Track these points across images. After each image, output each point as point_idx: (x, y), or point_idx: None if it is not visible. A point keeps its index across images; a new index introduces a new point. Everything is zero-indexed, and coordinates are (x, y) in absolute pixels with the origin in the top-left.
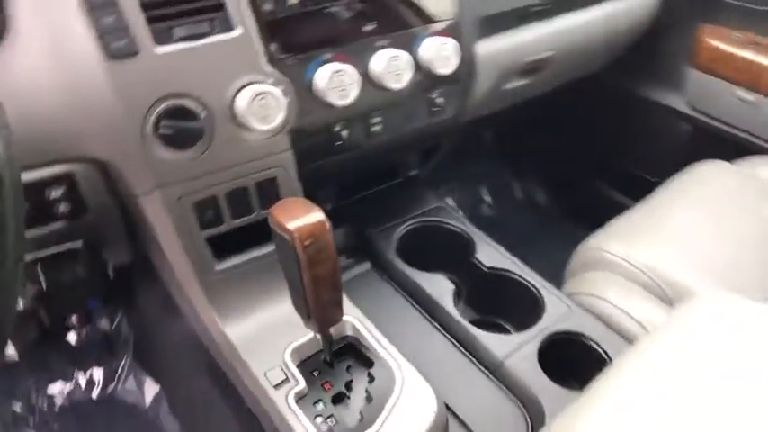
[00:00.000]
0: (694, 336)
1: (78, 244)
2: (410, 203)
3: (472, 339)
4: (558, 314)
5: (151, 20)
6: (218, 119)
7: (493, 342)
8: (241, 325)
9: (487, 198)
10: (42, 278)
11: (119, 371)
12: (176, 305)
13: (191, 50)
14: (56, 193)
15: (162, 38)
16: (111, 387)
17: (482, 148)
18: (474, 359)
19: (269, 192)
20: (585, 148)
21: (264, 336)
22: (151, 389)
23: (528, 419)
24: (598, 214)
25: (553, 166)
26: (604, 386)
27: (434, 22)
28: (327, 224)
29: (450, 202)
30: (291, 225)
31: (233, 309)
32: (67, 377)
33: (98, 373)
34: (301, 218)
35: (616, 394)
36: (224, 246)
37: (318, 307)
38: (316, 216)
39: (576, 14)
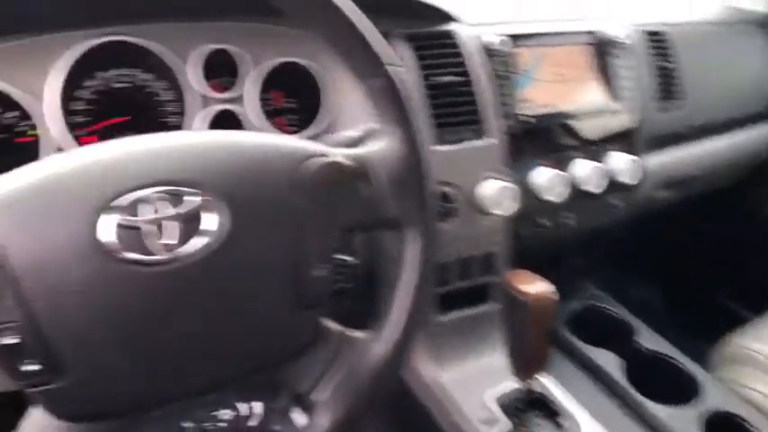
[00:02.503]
0: None
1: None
2: (571, 286)
3: (642, 410)
4: (715, 397)
5: (438, 125)
6: (465, 203)
7: (663, 413)
8: (453, 369)
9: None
10: None
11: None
12: None
13: (456, 150)
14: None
15: (441, 140)
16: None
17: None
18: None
19: (488, 262)
20: (708, 258)
21: (472, 380)
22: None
23: None
24: (715, 323)
25: (674, 270)
26: None
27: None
28: (555, 293)
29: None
30: (529, 290)
31: (447, 355)
32: (231, 406)
33: (258, 408)
34: (534, 285)
35: None
36: (446, 301)
37: (534, 359)
38: (546, 285)
39: (725, 137)
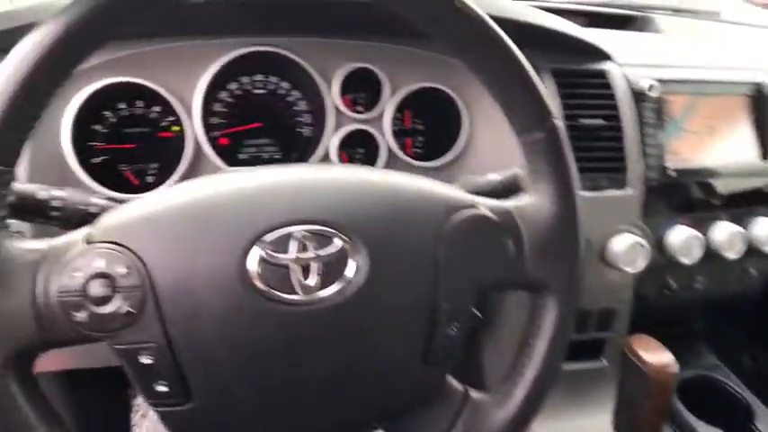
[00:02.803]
0: None
1: None
2: (688, 351)
3: None
4: None
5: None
6: (594, 254)
7: None
8: (550, 425)
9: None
10: None
11: None
12: None
13: (592, 198)
14: None
15: None
16: None
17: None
18: None
19: (607, 318)
20: None
21: None
22: None
23: None
24: None
25: None
26: None
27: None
28: (676, 365)
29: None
30: (650, 359)
31: (546, 407)
32: None
33: None
34: (656, 354)
35: None
36: None
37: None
38: (668, 356)
39: None
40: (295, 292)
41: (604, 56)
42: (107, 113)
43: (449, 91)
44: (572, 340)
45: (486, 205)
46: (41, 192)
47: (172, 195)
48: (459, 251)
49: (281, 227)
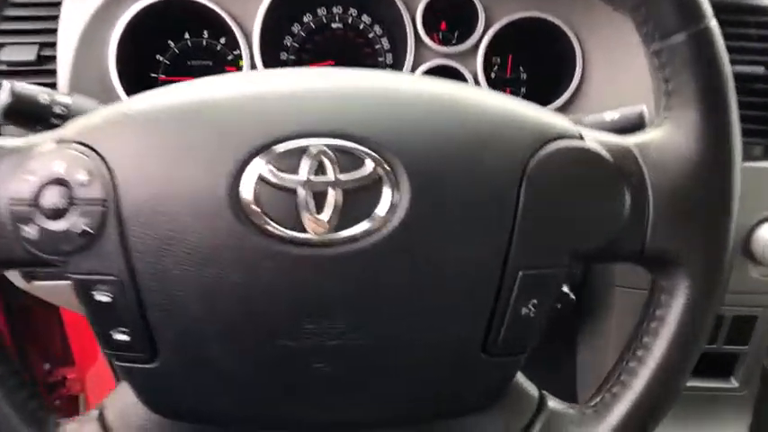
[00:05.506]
0: None
1: None
2: None
3: None
4: None
5: None
6: (737, 247)
7: None
8: None
9: None
10: None
11: None
12: None
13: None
14: None
15: None
16: None
17: None
18: None
19: (743, 327)
20: None
21: None
22: None
23: None
24: None
25: None
26: None
27: None
28: None
29: None
30: None
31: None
32: None
33: None
34: None
35: None
36: None
37: None
38: None
39: None
40: (302, 229)
41: None
42: (171, 43)
43: (558, 22)
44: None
45: (597, 139)
46: (43, 95)
47: (165, 94)
48: (551, 197)
49: (294, 137)
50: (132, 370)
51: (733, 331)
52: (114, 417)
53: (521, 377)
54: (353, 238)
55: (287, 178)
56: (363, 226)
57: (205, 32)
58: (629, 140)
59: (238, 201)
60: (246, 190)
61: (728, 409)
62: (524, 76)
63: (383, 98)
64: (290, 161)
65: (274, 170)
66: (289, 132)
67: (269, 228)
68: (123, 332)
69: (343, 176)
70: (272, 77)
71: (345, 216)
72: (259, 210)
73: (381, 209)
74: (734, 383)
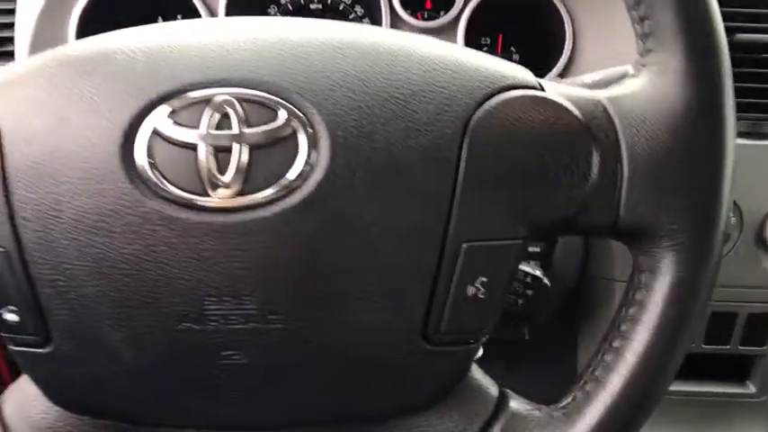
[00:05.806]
0: None
1: None
2: None
3: None
4: None
5: None
6: (748, 233)
7: None
8: None
9: None
10: None
11: None
12: None
13: (751, 148)
14: None
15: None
16: None
17: None
18: None
19: (759, 326)
20: None
21: None
22: None
23: None
24: None
25: None
26: None
27: None
28: None
29: None
30: None
31: None
32: None
33: None
34: None
35: None
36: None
37: None
38: None
39: None
40: (202, 192)
41: None
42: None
43: None
44: (707, 353)
45: (560, 92)
46: None
47: (63, 48)
48: (499, 155)
49: (197, 87)
50: (26, 354)
51: (748, 331)
52: (12, 410)
53: (478, 373)
54: (262, 203)
55: (185, 132)
56: (274, 189)
57: (179, 16)
58: (601, 93)
59: (132, 159)
60: (141, 146)
61: (744, 416)
62: (517, 57)
63: (299, 44)
64: (191, 115)
65: (173, 124)
66: (191, 81)
67: (164, 190)
68: (12, 311)
69: (249, 130)
70: (180, 27)
71: (253, 177)
72: (154, 170)
73: (296, 169)
74: (751, 389)
